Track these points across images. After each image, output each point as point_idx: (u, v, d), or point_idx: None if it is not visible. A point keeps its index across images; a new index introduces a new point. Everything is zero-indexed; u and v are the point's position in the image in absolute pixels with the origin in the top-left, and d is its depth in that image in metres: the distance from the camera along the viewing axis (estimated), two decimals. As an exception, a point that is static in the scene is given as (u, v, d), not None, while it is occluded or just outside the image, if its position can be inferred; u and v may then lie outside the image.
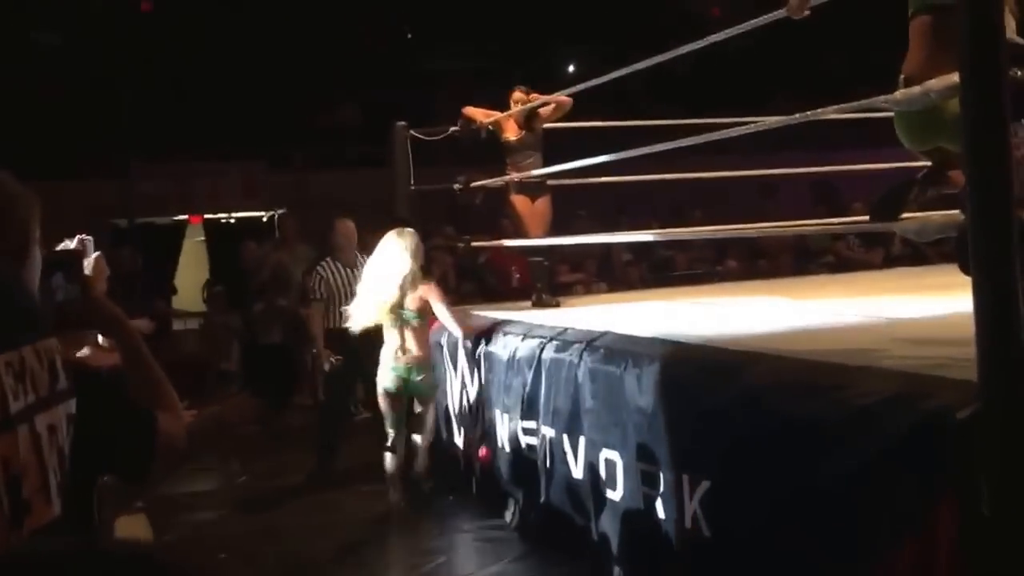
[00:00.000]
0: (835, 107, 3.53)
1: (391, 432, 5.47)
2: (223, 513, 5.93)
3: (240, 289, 9.70)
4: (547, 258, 6.54)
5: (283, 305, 8.88)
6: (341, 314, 6.37)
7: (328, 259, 6.74)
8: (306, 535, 5.31)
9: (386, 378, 5.44)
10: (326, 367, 6.52)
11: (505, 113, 6.39)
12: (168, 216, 13.86)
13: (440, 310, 5.44)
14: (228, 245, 11.93)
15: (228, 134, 14.50)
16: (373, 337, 6.14)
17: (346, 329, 6.30)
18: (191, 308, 11.15)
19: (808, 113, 3.45)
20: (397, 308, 5.37)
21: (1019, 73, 2.47)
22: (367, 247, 9.50)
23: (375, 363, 5.56)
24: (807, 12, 3.47)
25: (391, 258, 5.45)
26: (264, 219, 13.97)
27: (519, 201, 6.39)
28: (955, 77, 2.55)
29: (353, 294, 6.06)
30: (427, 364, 5.51)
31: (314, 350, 6.70)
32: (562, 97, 6.47)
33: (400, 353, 5.40)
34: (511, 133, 6.42)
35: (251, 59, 15.75)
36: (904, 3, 3.27)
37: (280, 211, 13.31)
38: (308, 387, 9.04)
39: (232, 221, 14.09)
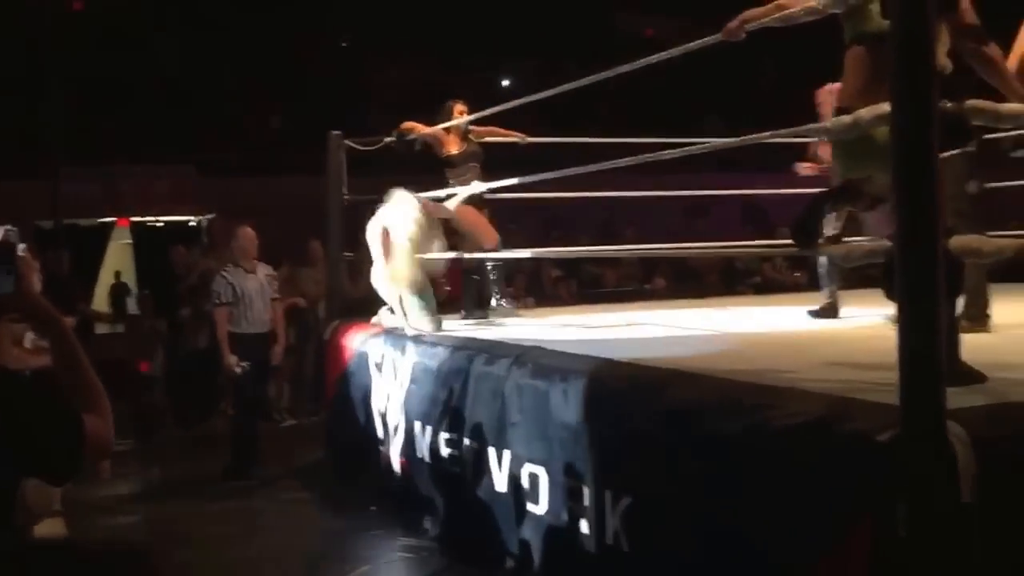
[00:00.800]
0: (769, 133, 3.58)
1: None
2: (141, 518, 5.80)
3: (167, 294, 9.56)
4: (492, 271, 6.54)
5: (210, 311, 8.74)
6: (247, 318, 6.74)
7: (231, 265, 6.93)
8: (225, 543, 5.22)
9: None
10: (237, 371, 6.67)
11: (444, 125, 6.38)
12: (94, 218, 13.58)
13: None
14: (155, 249, 11.75)
15: (158, 138, 14.28)
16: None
17: (252, 333, 6.69)
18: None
19: (745, 138, 3.50)
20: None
21: (948, 104, 2.52)
22: (296, 255, 9.49)
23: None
24: (743, 36, 3.52)
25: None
26: (192, 224, 13.78)
27: (469, 212, 6.41)
28: (886, 106, 2.60)
29: (255, 299, 6.58)
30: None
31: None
32: (516, 137, 6.51)
33: None
34: (453, 147, 6.42)
35: (183, 63, 15.54)
36: (835, 28, 3.33)
37: (209, 216, 13.14)
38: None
39: (160, 225, 13.85)
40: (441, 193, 6.16)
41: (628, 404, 3.55)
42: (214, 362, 7.38)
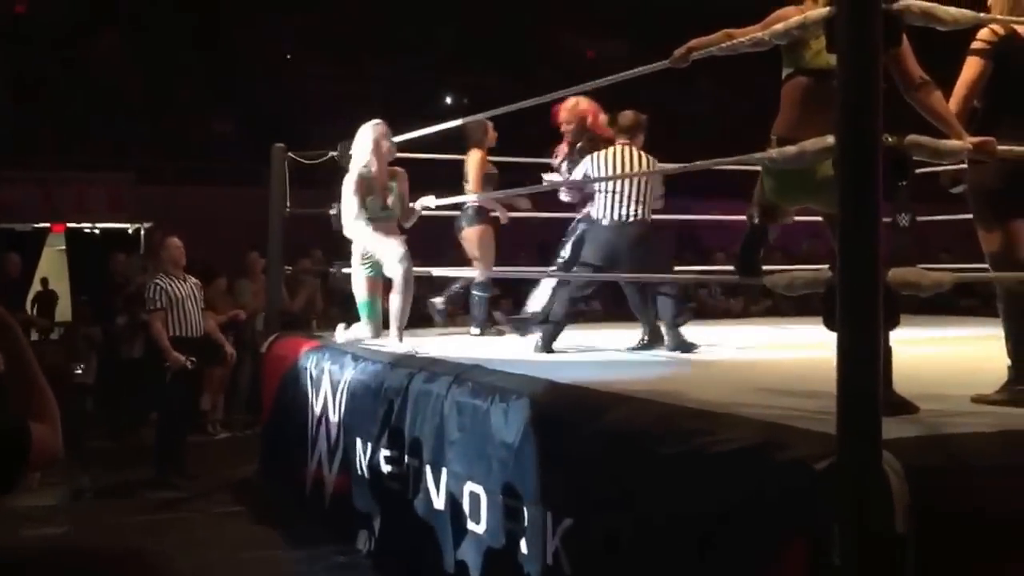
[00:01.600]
0: (713, 160, 3.64)
1: None
2: (67, 530, 5.67)
3: (102, 301, 9.40)
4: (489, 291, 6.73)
5: (146, 320, 8.61)
6: (180, 322, 6.84)
7: (161, 273, 7.03)
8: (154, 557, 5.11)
9: None
10: (188, 366, 6.73)
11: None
12: (28, 223, 13.29)
13: None
14: (90, 256, 11.54)
15: (97, 144, 14.03)
16: (213, 345, 6.81)
17: (187, 337, 6.78)
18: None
19: (687, 165, 3.54)
20: None
21: (890, 139, 2.58)
22: (236, 266, 9.39)
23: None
24: (689, 62, 3.57)
25: None
26: (130, 231, 13.55)
27: (487, 237, 6.56)
28: (829, 139, 2.65)
29: (188, 306, 6.81)
30: None
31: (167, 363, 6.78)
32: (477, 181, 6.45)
33: None
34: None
35: (125, 69, 15.30)
36: (770, 57, 3.39)
37: (147, 224, 12.93)
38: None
39: (96, 232, 13.60)
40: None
41: (567, 426, 3.56)
42: (148, 371, 7.31)
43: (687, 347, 5.40)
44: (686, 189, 12.66)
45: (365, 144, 5.75)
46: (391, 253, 5.65)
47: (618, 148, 5.63)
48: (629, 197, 5.50)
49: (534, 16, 18.12)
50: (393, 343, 5.53)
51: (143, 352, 8.39)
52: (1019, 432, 2.80)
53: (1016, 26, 3.30)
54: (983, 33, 3.30)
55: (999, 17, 3.17)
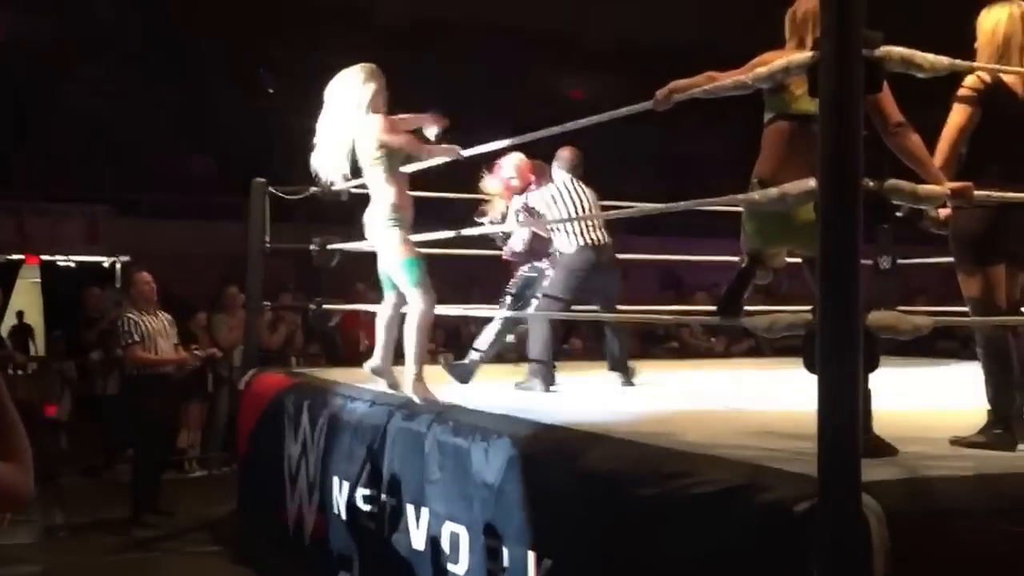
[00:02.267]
0: (696, 201, 3.67)
1: None
2: (42, 568, 5.60)
3: (76, 336, 9.31)
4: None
5: (121, 356, 8.54)
6: (153, 355, 6.91)
7: (133, 309, 7.13)
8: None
9: None
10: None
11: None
12: (2, 255, 13.18)
13: None
14: (65, 289, 11.44)
15: (74, 175, 13.98)
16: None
17: (155, 373, 6.83)
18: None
19: (671, 205, 3.57)
20: None
21: (871, 183, 2.61)
22: (214, 300, 9.33)
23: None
24: (671, 104, 3.61)
25: None
26: (106, 265, 13.47)
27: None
28: (811, 183, 2.68)
29: (160, 342, 6.84)
30: None
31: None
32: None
33: None
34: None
35: (105, 101, 15.29)
36: (749, 100, 3.43)
37: (124, 258, 12.87)
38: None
39: (71, 265, 13.50)
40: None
41: (549, 466, 3.55)
42: (123, 407, 7.26)
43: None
44: (669, 229, 12.75)
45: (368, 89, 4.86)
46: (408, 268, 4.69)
47: (567, 179, 5.85)
48: (593, 223, 5.70)
49: (518, 55, 18.29)
50: (412, 388, 4.70)
51: (118, 388, 8.34)
52: (996, 476, 2.82)
53: (1003, 75, 3.35)
54: (970, 80, 3.35)
55: (975, 64, 3.22)
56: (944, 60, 2.94)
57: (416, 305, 4.67)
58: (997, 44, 3.40)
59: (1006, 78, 3.36)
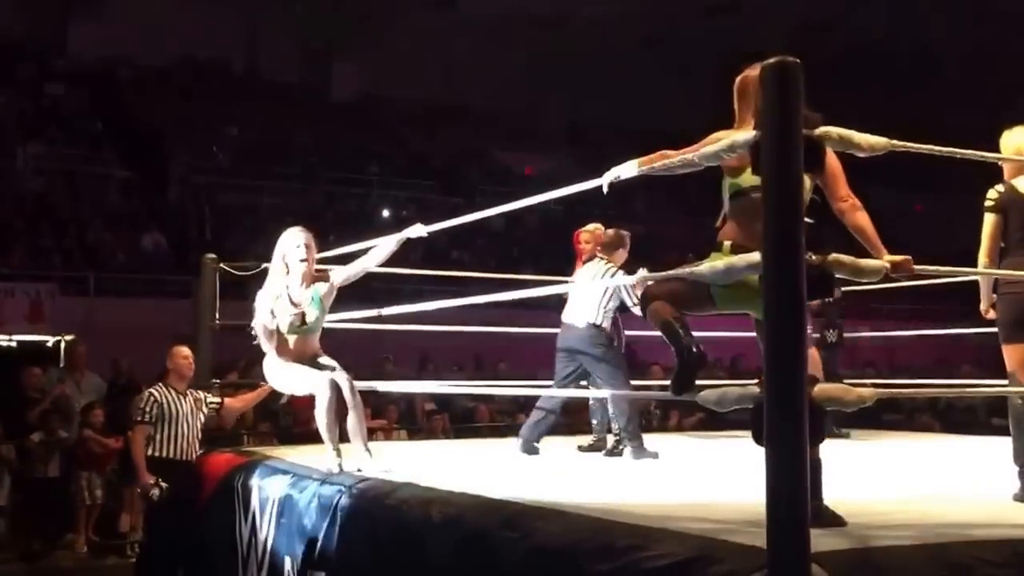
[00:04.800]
0: (646, 275, 3.73)
1: None
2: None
3: (16, 417, 9.07)
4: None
5: (63, 437, 8.38)
6: (169, 441, 6.25)
7: (160, 384, 6.49)
8: None
9: None
10: (153, 495, 6.13)
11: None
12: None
13: None
14: (5, 369, 11.19)
15: (18, 253, 13.81)
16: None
17: (172, 459, 6.22)
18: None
19: (625, 278, 3.61)
20: None
21: (813, 257, 2.68)
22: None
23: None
24: (608, 187, 3.75)
25: None
26: (49, 344, 13.23)
27: None
28: (756, 256, 2.75)
29: (183, 423, 6.22)
30: None
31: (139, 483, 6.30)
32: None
33: None
34: None
35: (51, 177, 15.21)
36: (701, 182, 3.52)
37: (68, 337, 12.67)
38: (84, 526, 8.49)
39: (13, 345, 13.25)
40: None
41: (502, 542, 3.52)
42: (65, 491, 7.05)
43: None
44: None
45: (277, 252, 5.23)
46: (309, 380, 5.13)
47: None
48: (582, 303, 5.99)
49: (474, 133, 18.57)
50: (363, 461, 5.00)
51: (60, 471, 8.15)
52: (940, 545, 2.85)
53: (1015, 183, 3.98)
54: (990, 193, 4.03)
55: (911, 145, 3.29)
56: (883, 140, 3.04)
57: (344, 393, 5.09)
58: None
59: (1020, 186, 4.00)
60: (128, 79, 18.21)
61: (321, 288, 5.18)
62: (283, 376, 5.24)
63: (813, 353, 7.30)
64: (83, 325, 12.10)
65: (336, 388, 5.02)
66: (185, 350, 6.56)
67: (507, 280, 6.75)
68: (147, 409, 6.27)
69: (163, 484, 6.08)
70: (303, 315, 5.09)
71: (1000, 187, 4.03)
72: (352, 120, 16.81)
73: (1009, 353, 3.98)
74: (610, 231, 6.23)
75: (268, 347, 5.16)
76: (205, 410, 6.52)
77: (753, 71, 3.43)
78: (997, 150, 4.12)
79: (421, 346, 10.69)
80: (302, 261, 5.11)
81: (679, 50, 16.67)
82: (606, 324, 5.99)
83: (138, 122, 17.27)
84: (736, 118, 3.60)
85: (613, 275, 5.99)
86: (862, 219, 3.29)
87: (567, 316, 6.07)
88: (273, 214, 15.89)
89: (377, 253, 5.25)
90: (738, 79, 3.61)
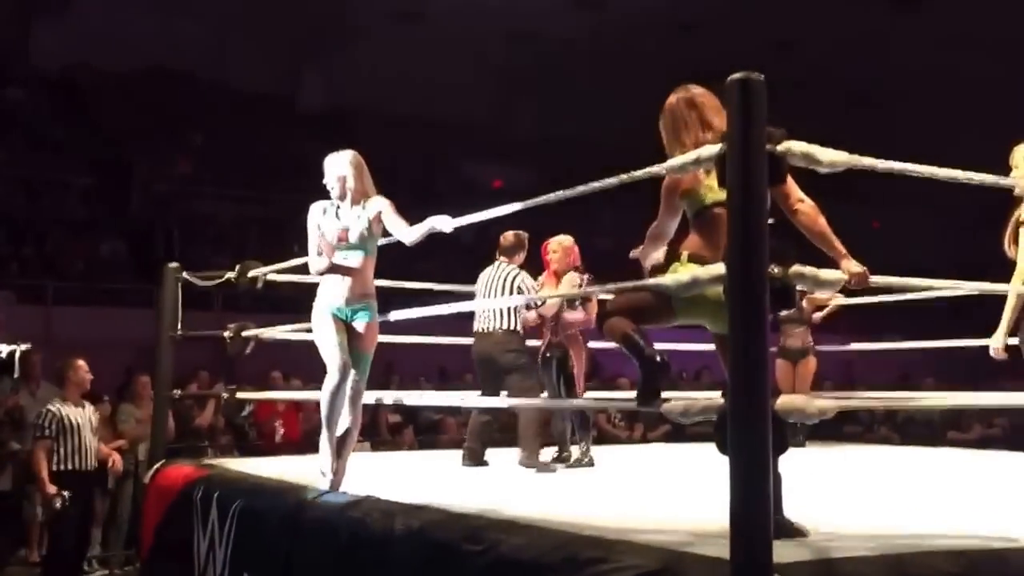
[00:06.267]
0: (612, 285, 3.76)
1: None
2: None
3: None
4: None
5: (16, 449, 8.24)
6: (73, 454, 6.46)
7: (58, 399, 6.71)
8: None
9: None
10: (56, 505, 6.29)
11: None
12: None
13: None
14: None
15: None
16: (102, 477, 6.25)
17: (77, 470, 6.35)
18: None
19: (584, 290, 3.62)
20: None
21: (775, 270, 2.70)
22: (120, 390, 9.09)
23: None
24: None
25: None
26: (3, 355, 13.00)
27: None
28: (720, 268, 2.77)
29: (84, 434, 6.36)
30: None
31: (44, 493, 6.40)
32: None
33: None
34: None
35: (10, 184, 15.01)
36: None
37: (24, 346, 12.46)
38: (38, 541, 8.34)
39: (-35, 356, 12.99)
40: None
41: (465, 556, 3.51)
42: (18, 505, 6.93)
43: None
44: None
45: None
46: (328, 348, 4.63)
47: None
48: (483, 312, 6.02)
49: (442, 145, 18.55)
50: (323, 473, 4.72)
51: (12, 484, 8.02)
52: (900, 555, 2.87)
53: None
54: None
55: (880, 162, 3.32)
56: (844, 156, 3.07)
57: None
58: None
59: None
60: (91, 86, 18.01)
61: (371, 209, 4.71)
62: (317, 327, 4.70)
63: (780, 364, 7.41)
64: (41, 334, 11.92)
65: (345, 375, 4.61)
66: (82, 363, 6.82)
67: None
68: (46, 425, 6.53)
69: (65, 494, 6.33)
70: (347, 230, 4.71)
71: None
72: (318, 131, 16.73)
73: None
74: (509, 234, 6.23)
75: (315, 269, 4.75)
76: (94, 420, 6.80)
77: (678, 95, 3.48)
78: (952, 166, 4.04)
79: (386, 358, 10.63)
80: (331, 188, 4.80)
81: (648, 67, 16.80)
82: (519, 328, 6.00)
83: (100, 129, 17.08)
84: (666, 146, 3.55)
85: (515, 278, 6.01)
86: (821, 223, 3.21)
87: (480, 324, 6.04)
88: (237, 224, 15.77)
89: (409, 231, 4.70)
90: (666, 106, 3.57)
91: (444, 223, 4.58)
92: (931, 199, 15.07)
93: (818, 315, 7.38)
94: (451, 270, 6.82)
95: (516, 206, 4.10)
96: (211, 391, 8.50)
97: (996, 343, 4.16)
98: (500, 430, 6.57)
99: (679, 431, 9.42)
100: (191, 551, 5.62)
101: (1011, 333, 4.16)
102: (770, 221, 2.74)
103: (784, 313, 7.01)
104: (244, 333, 6.26)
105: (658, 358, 3.33)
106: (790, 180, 3.22)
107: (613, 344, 3.49)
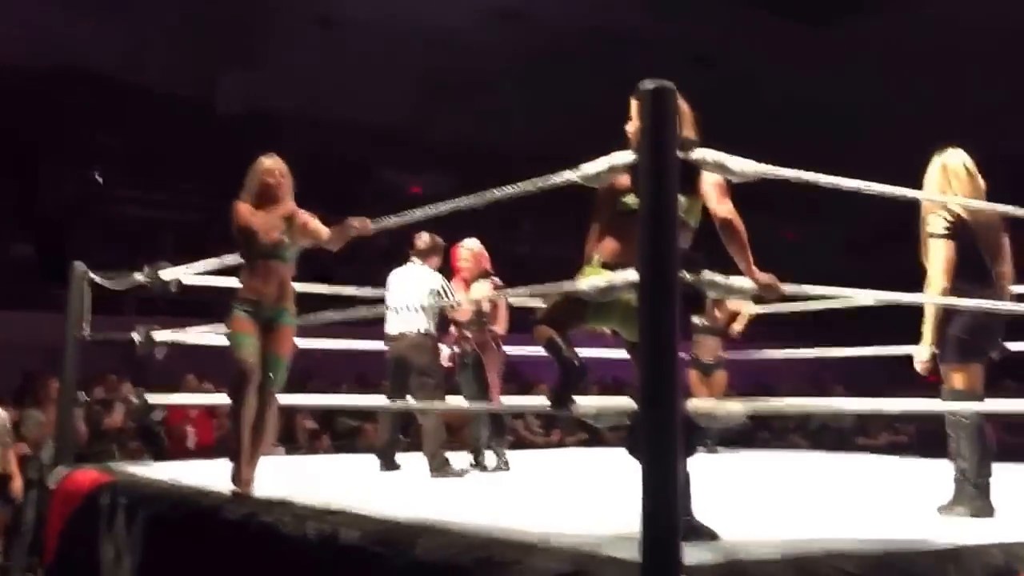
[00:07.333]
0: (525, 288, 3.77)
1: None
2: None
3: None
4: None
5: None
6: None
7: None
8: None
9: None
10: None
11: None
12: None
13: None
14: None
15: None
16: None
17: None
18: None
19: (499, 293, 3.63)
20: None
21: (687, 276, 2.74)
22: (23, 393, 8.82)
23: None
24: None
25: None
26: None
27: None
28: (633, 274, 2.80)
29: None
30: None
31: None
32: None
33: None
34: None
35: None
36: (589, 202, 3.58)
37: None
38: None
39: None
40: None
41: (377, 559, 3.48)
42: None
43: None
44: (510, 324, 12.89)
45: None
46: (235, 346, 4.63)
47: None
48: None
49: (361, 151, 18.41)
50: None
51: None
52: (805, 557, 2.93)
53: (962, 211, 4.08)
54: (939, 222, 4.10)
55: (788, 172, 3.38)
56: (755, 166, 3.13)
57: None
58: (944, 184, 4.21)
59: (963, 213, 4.11)
60: (0, 85, 17.49)
61: (293, 217, 4.73)
62: (231, 326, 4.69)
63: (692, 375, 7.52)
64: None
65: (248, 377, 4.57)
66: None
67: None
68: None
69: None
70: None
71: (949, 215, 4.09)
72: (236, 134, 16.49)
73: (967, 373, 4.06)
74: (424, 235, 6.25)
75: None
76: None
77: None
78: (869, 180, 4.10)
79: (304, 365, 10.52)
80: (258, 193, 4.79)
81: (570, 76, 16.92)
82: (433, 331, 6.05)
83: (10, 129, 16.59)
84: None
85: (431, 280, 6.06)
86: (737, 236, 3.25)
87: (395, 326, 6.03)
88: (149, 227, 15.45)
89: (328, 234, 4.73)
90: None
91: (361, 224, 4.59)
92: (842, 212, 15.50)
93: (736, 327, 7.50)
94: (368, 276, 6.77)
95: (441, 207, 4.07)
96: (117, 394, 8.30)
97: (922, 356, 4.22)
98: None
99: (596, 436, 9.53)
100: (96, 559, 5.48)
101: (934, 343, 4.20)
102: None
103: (697, 321, 7.13)
104: (155, 336, 6.13)
105: (576, 363, 3.36)
106: (718, 192, 3.27)
107: (531, 350, 3.51)
